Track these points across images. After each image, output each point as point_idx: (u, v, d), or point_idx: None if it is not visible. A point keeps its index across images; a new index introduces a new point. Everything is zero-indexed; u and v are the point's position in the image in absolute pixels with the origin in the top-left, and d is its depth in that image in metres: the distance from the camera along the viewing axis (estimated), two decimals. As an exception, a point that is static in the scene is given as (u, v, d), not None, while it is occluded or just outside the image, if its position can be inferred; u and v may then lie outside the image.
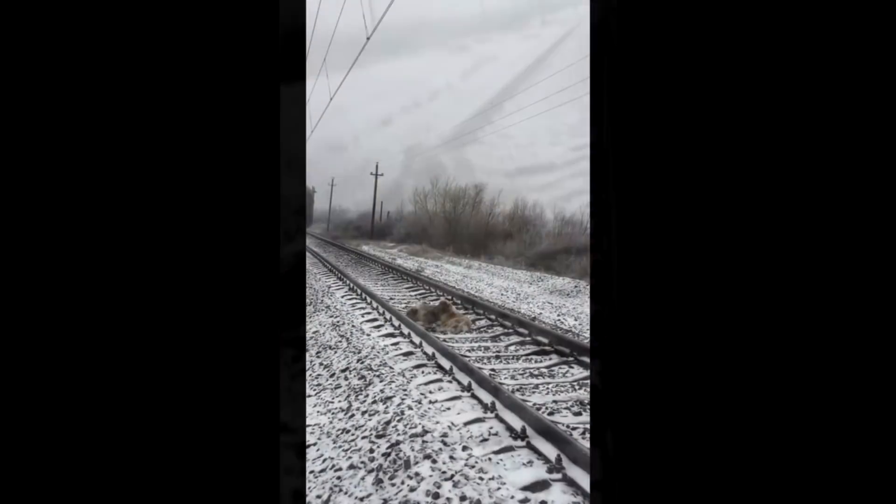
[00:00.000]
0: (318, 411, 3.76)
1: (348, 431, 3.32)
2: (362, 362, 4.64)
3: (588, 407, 3.67)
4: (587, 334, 6.08)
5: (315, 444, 3.23)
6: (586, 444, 2.84)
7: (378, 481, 2.64)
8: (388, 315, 6.57)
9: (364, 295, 8.15)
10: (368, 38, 8.09)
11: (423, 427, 3.10)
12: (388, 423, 3.26)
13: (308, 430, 3.35)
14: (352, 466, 2.83)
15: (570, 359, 4.83)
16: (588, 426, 3.30)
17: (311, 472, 2.89)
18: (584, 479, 2.43)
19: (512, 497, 2.40)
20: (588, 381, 4.27)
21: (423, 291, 9.32)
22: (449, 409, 3.53)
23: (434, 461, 2.69)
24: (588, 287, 10.63)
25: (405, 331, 5.68)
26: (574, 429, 3.23)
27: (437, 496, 2.39)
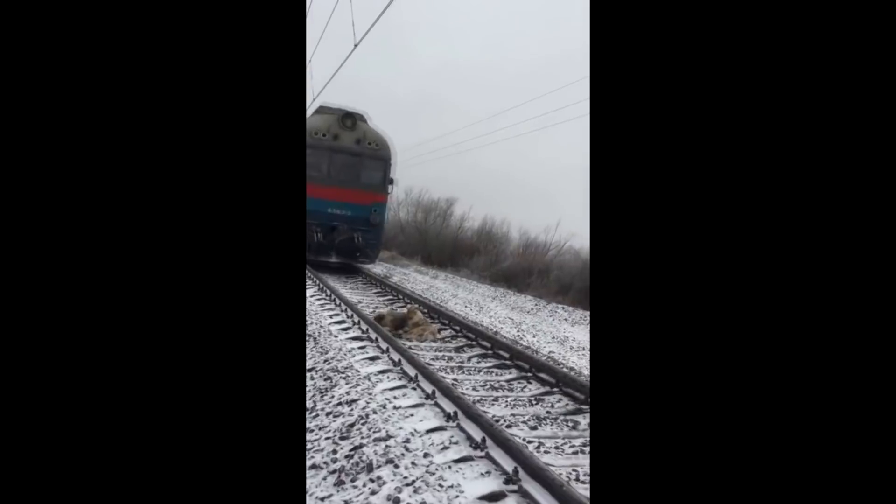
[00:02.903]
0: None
1: (311, 431, 3.37)
2: (328, 363, 4.69)
3: (542, 423, 3.81)
4: (544, 351, 6.25)
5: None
6: (542, 458, 2.97)
7: (339, 482, 2.71)
8: (356, 318, 6.61)
9: (333, 297, 8.16)
10: (356, 46, 8.14)
11: (386, 432, 3.18)
12: (351, 425, 3.33)
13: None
14: (314, 466, 2.90)
15: (529, 374, 4.98)
16: (541, 442, 3.44)
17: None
18: (539, 493, 2.55)
19: (469, 505, 2.52)
20: (542, 398, 4.42)
21: (390, 297, 9.37)
22: (412, 415, 3.62)
23: (396, 466, 2.78)
24: (547, 307, 10.76)
25: (372, 335, 5.74)
26: (530, 442, 3.37)
27: (397, 501, 2.48)
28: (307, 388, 4.13)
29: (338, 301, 7.75)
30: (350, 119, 11.91)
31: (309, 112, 12.49)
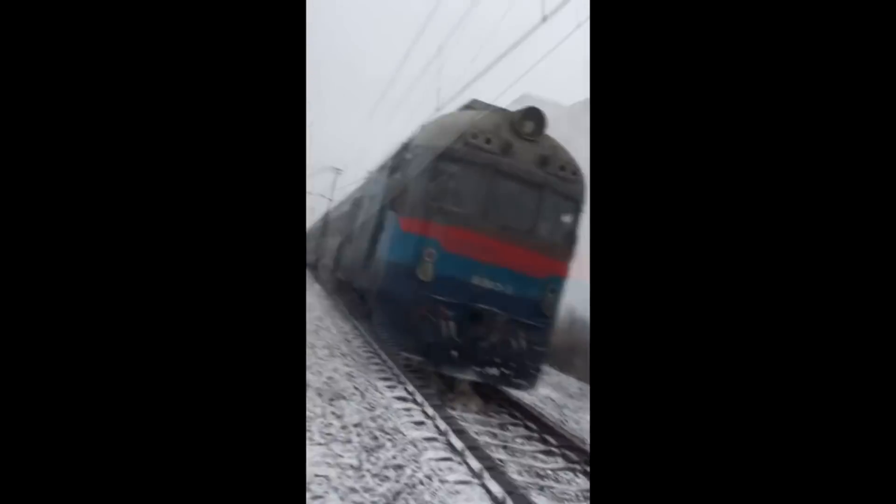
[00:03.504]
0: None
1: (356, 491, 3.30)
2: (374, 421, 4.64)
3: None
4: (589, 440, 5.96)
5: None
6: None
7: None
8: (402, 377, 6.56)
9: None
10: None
11: (434, 507, 3.08)
12: (398, 493, 3.25)
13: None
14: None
15: (577, 466, 4.76)
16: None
17: None
18: None
19: None
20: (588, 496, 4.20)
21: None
22: (458, 492, 3.50)
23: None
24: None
25: (419, 398, 5.67)
26: (581, 545, 3.18)
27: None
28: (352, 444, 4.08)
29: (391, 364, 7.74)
30: (534, 122, 6.48)
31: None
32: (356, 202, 12.79)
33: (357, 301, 10.08)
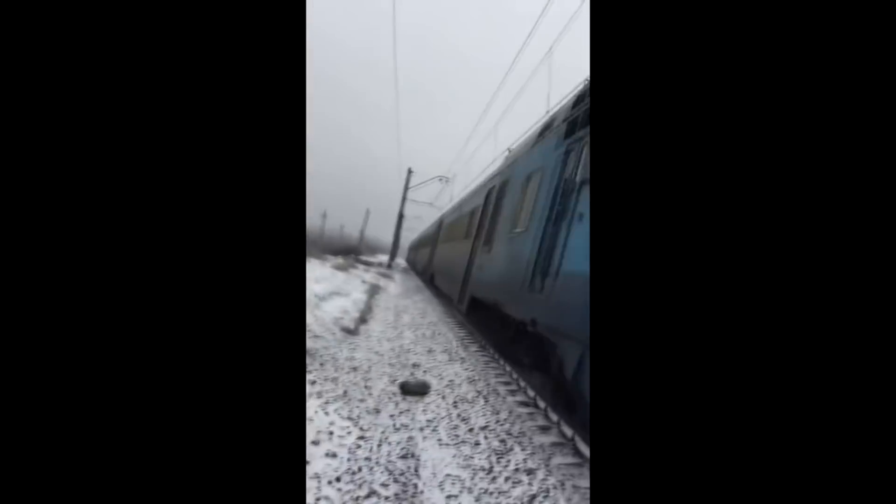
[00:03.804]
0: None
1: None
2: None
3: None
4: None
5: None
6: None
7: None
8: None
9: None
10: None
11: None
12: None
13: (452, 480, 3.39)
14: None
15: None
16: None
17: None
18: None
19: None
20: None
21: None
22: (593, 500, 3.42)
23: None
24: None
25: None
26: None
27: None
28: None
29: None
30: None
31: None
32: (486, 194, 9.94)
33: (509, 338, 6.92)
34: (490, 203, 9.38)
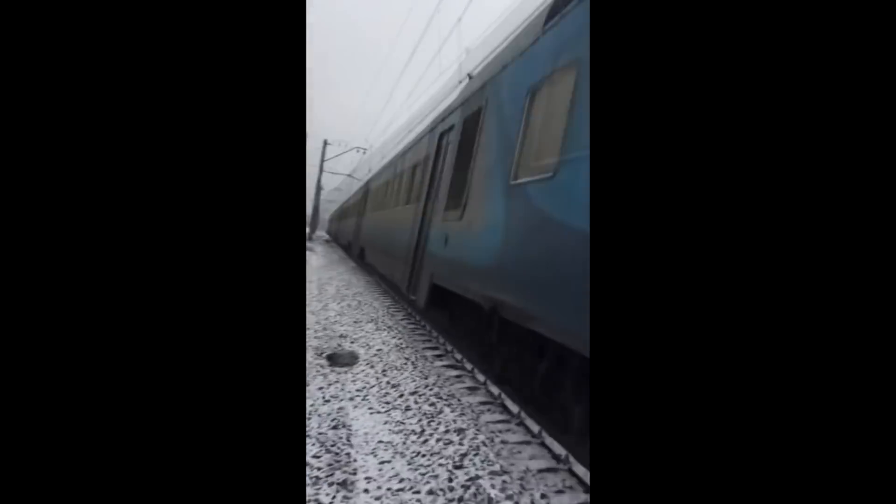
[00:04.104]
0: (390, 430, 3.84)
1: (423, 456, 3.38)
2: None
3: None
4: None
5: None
6: None
7: None
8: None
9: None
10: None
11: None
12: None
13: (385, 446, 3.42)
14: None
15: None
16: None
17: (393, 489, 2.95)
18: None
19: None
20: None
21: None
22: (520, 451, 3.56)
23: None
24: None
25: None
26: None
27: None
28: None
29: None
30: None
31: None
32: (439, 139, 7.33)
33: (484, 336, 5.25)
34: (447, 151, 6.72)
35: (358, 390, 4.55)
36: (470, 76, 7.02)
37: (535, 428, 3.95)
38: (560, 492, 3.11)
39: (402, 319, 8.50)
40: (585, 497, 3.05)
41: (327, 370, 5.05)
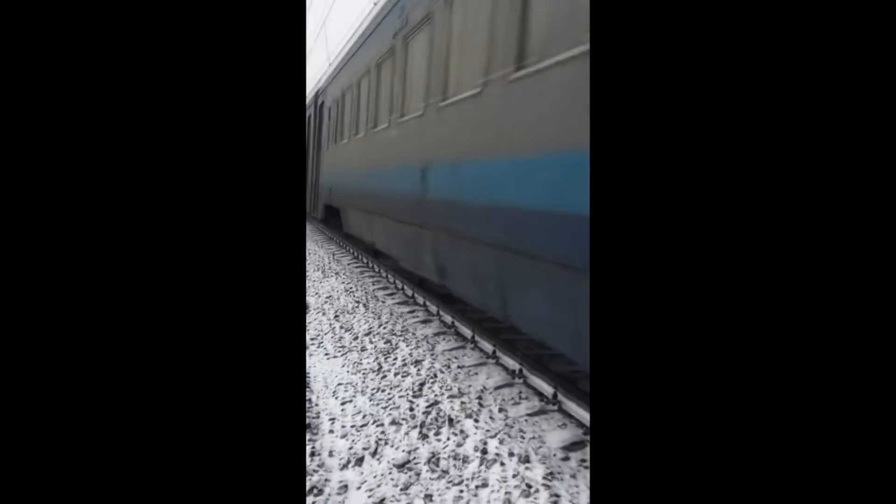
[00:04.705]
0: (348, 371, 3.90)
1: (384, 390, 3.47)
2: (383, 327, 4.77)
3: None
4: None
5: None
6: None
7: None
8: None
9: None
10: None
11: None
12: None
13: (344, 387, 3.47)
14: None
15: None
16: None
17: (357, 425, 3.03)
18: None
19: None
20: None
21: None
22: (477, 373, 3.69)
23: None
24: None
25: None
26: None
27: (485, 450, 2.56)
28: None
29: (377, 268, 7.76)
30: None
31: None
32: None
33: None
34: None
35: (312, 338, 4.56)
36: None
37: (489, 348, 4.10)
38: (516, 403, 3.28)
39: (349, 264, 8.46)
40: (541, 404, 3.23)
41: (278, 323, 5.01)
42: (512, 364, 3.76)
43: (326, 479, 2.50)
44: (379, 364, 3.91)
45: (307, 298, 5.95)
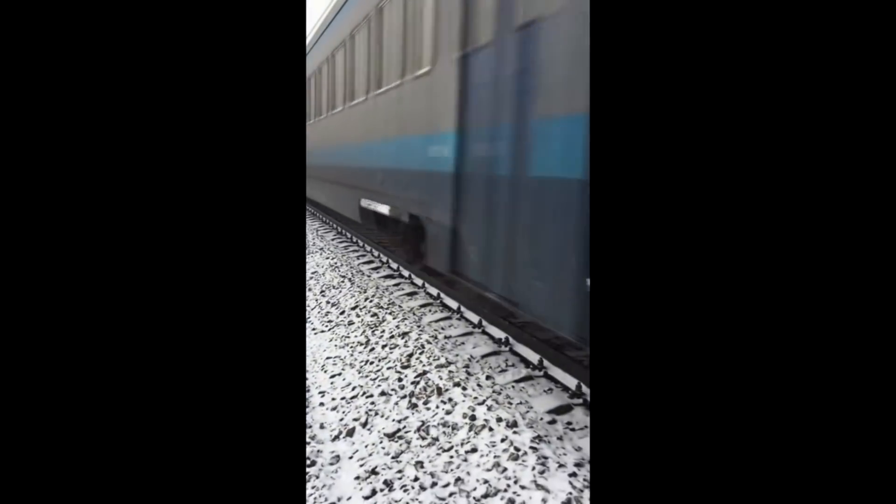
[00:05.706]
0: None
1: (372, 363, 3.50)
2: (369, 301, 4.79)
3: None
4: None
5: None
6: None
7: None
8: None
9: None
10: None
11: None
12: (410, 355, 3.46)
13: (333, 361, 3.50)
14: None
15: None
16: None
17: (347, 398, 3.07)
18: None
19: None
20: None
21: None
22: (464, 343, 3.74)
23: (464, 388, 2.90)
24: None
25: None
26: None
27: (474, 417, 2.62)
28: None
29: (361, 243, 7.75)
30: None
31: None
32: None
33: None
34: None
35: (298, 314, 4.56)
36: None
37: (475, 318, 4.15)
38: (503, 371, 3.34)
39: (332, 240, 8.43)
40: (527, 370, 3.29)
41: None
42: (498, 333, 3.81)
43: (319, 451, 2.54)
44: (367, 337, 3.94)
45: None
